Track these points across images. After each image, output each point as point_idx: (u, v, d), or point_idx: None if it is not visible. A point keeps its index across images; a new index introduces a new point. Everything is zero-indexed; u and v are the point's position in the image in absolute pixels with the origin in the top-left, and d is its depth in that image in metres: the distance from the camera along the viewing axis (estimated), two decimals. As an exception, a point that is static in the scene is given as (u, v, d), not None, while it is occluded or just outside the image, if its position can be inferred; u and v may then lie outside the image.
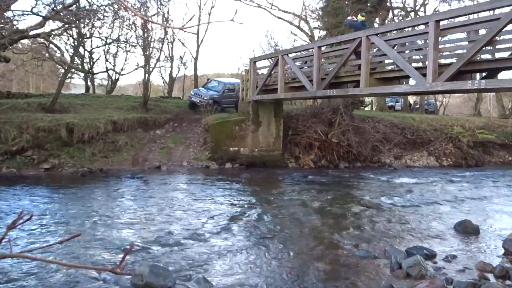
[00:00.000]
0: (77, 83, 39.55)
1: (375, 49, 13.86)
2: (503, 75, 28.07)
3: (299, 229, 10.06)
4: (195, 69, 37.07)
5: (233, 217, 10.91)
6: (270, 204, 12.68)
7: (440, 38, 10.82)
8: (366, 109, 35.88)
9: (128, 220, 10.37)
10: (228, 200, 13.04)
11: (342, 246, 8.86)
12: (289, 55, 18.29)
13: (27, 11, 18.47)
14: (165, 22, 28.27)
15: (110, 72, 32.67)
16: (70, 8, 18.82)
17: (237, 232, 9.65)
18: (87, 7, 20.17)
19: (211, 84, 27.28)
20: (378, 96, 32.29)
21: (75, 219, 10.24)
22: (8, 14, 17.76)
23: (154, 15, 26.92)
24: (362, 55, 13.24)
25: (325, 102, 24.14)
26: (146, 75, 25.82)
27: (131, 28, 25.77)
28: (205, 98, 24.86)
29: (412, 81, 12.96)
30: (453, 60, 10.84)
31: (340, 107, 22.89)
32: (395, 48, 12.45)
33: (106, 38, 29.31)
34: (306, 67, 18.35)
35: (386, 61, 14.44)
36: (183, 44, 46.07)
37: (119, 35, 29.78)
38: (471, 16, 12.42)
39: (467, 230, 10.01)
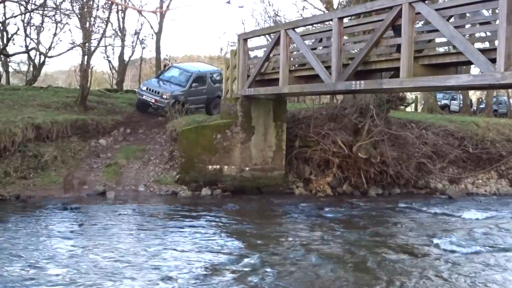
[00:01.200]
0: (-17, 69, 39.41)
1: (421, 22, 13.95)
2: None
3: (307, 287, 10.00)
4: (158, 49, 37.12)
5: (212, 273, 10.83)
6: (268, 253, 12.59)
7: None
8: (409, 109, 36.01)
9: (52, 280, 10.25)
10: (205, 247, 12.91)
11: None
12: (296, 29, 18.35)
13: None
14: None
15: (32, 53, 32.65)
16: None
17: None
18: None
19: (170, 73, 27.27)
20: (425, 91, 32.47)
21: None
22: None
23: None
24: (403, 31, 13.30)
25: (348, 99, 24.18)
26: (85, 57, 25.80)
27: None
28: (165, 96, 24.98)
29: (475, 70, 13.03)
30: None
31: (371, 106, 22.95)
32: (451, 21, 12.53)
33: (27, 2, 29.30)
34: (321, 48, 18.41)
35: (438, 40, 14.51)
36: (140, 13, 46.23)
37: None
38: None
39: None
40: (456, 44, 12.15)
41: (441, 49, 15.35)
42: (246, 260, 11.61)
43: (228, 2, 1.83)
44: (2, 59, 32.96)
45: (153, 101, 25.02)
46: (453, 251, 13.11)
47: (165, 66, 29.72)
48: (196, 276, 10.44)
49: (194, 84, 25.80)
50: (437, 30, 12.79)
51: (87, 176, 20.53)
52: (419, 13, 13.00)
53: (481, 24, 12.91)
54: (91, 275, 10.31)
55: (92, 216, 15.95)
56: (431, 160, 24.16)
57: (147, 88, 25.75)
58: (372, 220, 17.05)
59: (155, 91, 25.26)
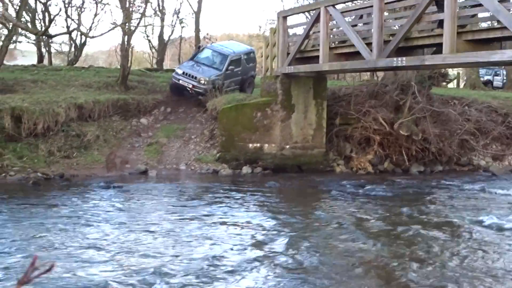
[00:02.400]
0: (26, 50, 40.00)
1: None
2: None
3: (353, 265, 10.02)
4: (197, 28, 37.16)
5: (255, 247, 10.92)
6: (309, 229, 12.67)
7: None
8: (451, 86, 35.55)
9: (99, 252, 10.45)
10: (247, 223, 13.05)
11: (416, 289, 8.82)
12: (336, 6, 18.20)
13: None
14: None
15: (74, 34, 32.98)
16: None
17: (261, 269, 9.65)
18: None
19: (204, 54, 26.65)
20: (468, 67, 31.98)
21: (20, 251, 10.35)
22: None
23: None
24: (445, 6, 13.11)
25: (389, 76, 23.95)
26: (126, 37, 25.97)
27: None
28: (202, 81, 24.35)
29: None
30: None
31: (412, 83, 22.72)
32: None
33: (68, -17, 29.58)
34: (361, 24, 18.26)
35: (481, 15, 14.27)
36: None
37: (86, -21, 30.06)
38: None
39: None
40: (500, 18, 11.95)
41: (485, 24, 15.11)
42: (287, 237, 11.67)
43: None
44: (45, 40, 33.35)
45: (190, 86, 24.38)
46: (496, 229, 12.97)
47: (199, 47, 28.88)
48: (241, 248, 10.55)
49: (230, 67, 25.36)
50: (480, 5, 12.60)
51: (129, 155, 20.76)
52: (462, -13, 12.80)
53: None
54: (143, 250, 10.50)
55: (135, 195, 16.16)
56: (474, 137, 23.88)
57: (183, 72, 24.91)
58: (413, 198, 16.95)
59: (192, 76, 24.53)
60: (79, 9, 30.11)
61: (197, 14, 36.95)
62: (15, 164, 18.39)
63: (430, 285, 8.98)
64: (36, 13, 31.88)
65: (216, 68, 25.23)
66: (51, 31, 32.40)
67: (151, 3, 33.03)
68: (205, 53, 26.53)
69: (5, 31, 26.30)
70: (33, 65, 29.37)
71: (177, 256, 10.27)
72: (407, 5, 16.91)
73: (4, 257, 9.82)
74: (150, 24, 33.98)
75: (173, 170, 20.31)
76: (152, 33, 38.04)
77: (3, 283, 8.47)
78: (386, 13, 16.42)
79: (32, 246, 10.56)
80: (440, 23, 13.78)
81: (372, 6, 15.98)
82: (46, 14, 30.81)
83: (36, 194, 15.87)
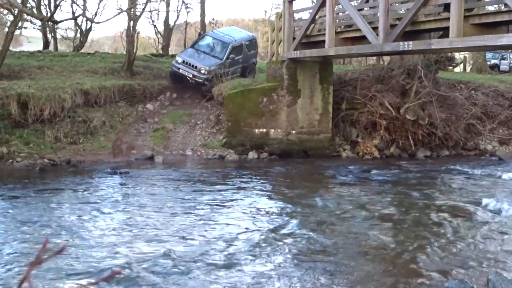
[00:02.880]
0: (31, 36, 40.02)
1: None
2: None
3: (361, 249, 10.06)
4: (202, 13, 37.11)
5: (262, 233, 10.95)
6: (317, 213, 12.70)
7: None
8: (457, 70, 35.44)
9: (108, 238, 10.51)
10: (254, 208, 13.10)
11: (423, 273, 8.83)
12: (342, -10, 18.17)
13: None
14: None
15: (79, 19, 32.97)
16: None
17: (269, 254, 9.69)
18: None
19: (204, 41, 26.08)
20: (475, 51, 31.86)
21: (28, 237, 10.41)
22: None
23: None
24: (452, -10, 13.06)
25: (396, 60, 23.90)
26: (131, 23, 25.95)
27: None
28: (203, 71, 23.82)
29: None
30: None
31: (419, 67, 22.68)
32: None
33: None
34: (367, 8, 18.19)
35: (489, -2, 14.22)
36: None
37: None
38: None
39: None
40: (507, 1, 11.88)
41: (492, 8, 15.04)
42: (294, 222, 11.71)
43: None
44: (50, 26, 33.32)
45: (190, 75, 23.84)
46: (501, 213, 12.97)
47: (199, 34, 28.18)
48: (249, 233, 10.59)
49: (231, 56, 24.72)
50: (488, -12, 12.52)
51: (135, 141, 20.80)
52: (469, -30, 12.73)
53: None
54: (152, 235, 10.57)
55: (142, 180, 16.20)
56: (480, 121, 23.86)
57: (183, 61, 24.29)
58: (420, 183, 16.95)
59: (193, 65, 23.96)
60: (84, -6, 30.11)
61: (203, -2, 36.88)
62: (22, 150, 18.44)
63: (438, 269, 9.00)
64: (42, -1, 31.83)
65: (217, 57, 24.65)
66: (57, 17, 32.43)
67: (157, -12, 32.90)
68: (206, 41, 26.01)
69: (11, 17, 26.35)
70: (39, 51, 29.39)
71: (184, 240, 10.32)
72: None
73: (11, 243, 9.88)
74: (156, 10, 33.92)
75: (179, 155, 20.35)
76: (158, 19, 38.08)
77: (10, 267, 8.53)
78: (392, -3, 16.35)
79: (38, 232, 10.61)
80: (447, 7, 13.73)
81: (378, -10, 15.93)
82: (52, 0, 30.82)
83: (43, 180, 15.92)
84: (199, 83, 23.76)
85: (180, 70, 24.17)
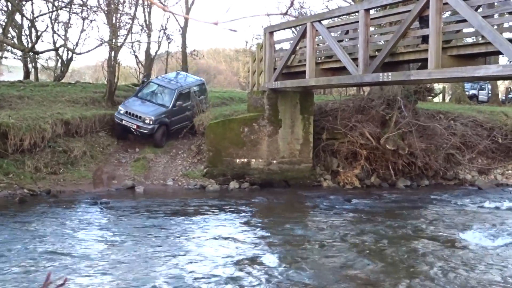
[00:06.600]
0: (12, 66, 39.91)
1: (448, 12, 13.84)
2: None
3: (339, 279, 10.04)
4: (184, 43, 37.25)
5: (241, 263, 10.93)
6: (298, 245, 12.67)
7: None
8: (436, 100, 35.78)
9: (83, 269, 10.42)
10: (233, 239, 13.05)
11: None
12: (322, 22, 18.33)
13: None
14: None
15: (61, 50, 32.94)
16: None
17: (245, 285, 9.65)
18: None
19: (149, 88, 24.69)
20: (453, 82, 32.21)
21: (6, 272, 10.29)
22: None
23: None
24: (430, 21, 13.22)
25: (375, 91, 24.08)
26: (112, 53, 25.98)
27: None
28: (148, 121, 22.43)
29: (504, 59, 12.93)
30: None
31: (398, 98, 22.86)
32: (480, 10, 12.42)
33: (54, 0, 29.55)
34: (347, 40, 18.36)
35: (466, 30, 14.40)
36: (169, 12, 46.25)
37: (72, -4, 29.99)
38: None
39: None
40: (485, 34, 12.06)
41: (470, 40, 15.25)
42: (274, 253, 11.70)
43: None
44: (31, 56, 33.27)
45: (134, 126, 22.34)
46: (482, 243, 13.03)
47: (142, 82, 26.95)
48: (228, 266, 10.54)
49: (178, 103, 23.60)
50: (465, 20, 12.70)
51: (116, 171, 20.73)
52: (446, 3, 12.91)
53: (510, 13, 12.78)
54: (120, 269, 10.45)
55: (122, 211, 16.09)
56: (460, 151, 24.01)
57: (126, 112, 22.62)
58: (400, 212, 17.01)
59: (136, 115, 22.42)
60: (65, 25, 30.18)
61: (184, 29, 37.07)
62: (1, 181, 18.27)
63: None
64: (23, 29, 31.81)
65: (163, 105, 23.42)
66: (38, 47, 32.36)
67: (138, 19, 32.99)
68: (150, 88, 24.66)
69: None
70: (20, 81, 29.29)
71: (160, 272, 10.25)
72: (393, 21, 17.04)
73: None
74: (137, 41, 33.96)
75: (160, 185, 20.28)
76: (139, 49, 37.99)
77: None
78: (372, 28, 16.54)
79: (15, 262, 10.50)
80: (425, 39, 13.89)
81: (358, 22, 16.08)
82: (33, 30, 30.80)
83: (22, 211, 15.76)
84: (144, 134, 22.53)
85: (123, 122, 22.56)
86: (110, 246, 12.11)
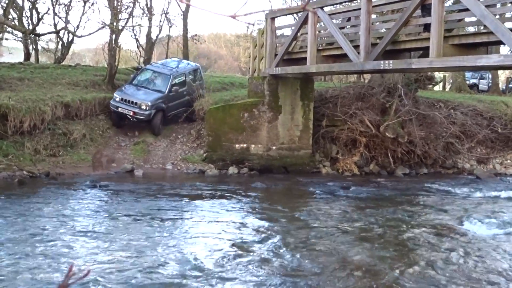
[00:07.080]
0: (12, 47, 39.81)
1: (451, 1, 13.82)
2: None
3: (336, 266, 10.07)
4: (185, 27, 37.14)
5: (238, 248, 10.95)
6: (296, 231, 12.70)
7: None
8: (437, 88, 35.74)
9: (86, 254, 10.45)
10: (233, 224, 13.08)
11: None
12: (324, 8, 18.26)
13: None
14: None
15: (62, 32, 32.84)
16: None
17: (244, 270, 9.67)
18: None
19: (143, 75, 24.47)
20: (454, 71, 32.19)
21: (3, 254, 10.32)
22: None
23: None
24: (432, 10, 13.19)
25: (376, 78, 24.06)
26: (113, 36, 25.90)
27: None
28: (144, 107, 22.19)
29: (505, 49, 12.91)
30: None
31: (399, 86, 22.84)
32: (482, 0, 12.38)
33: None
34: (349, 27, 18.32)
35: (468, 20, 14.37)
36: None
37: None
38: None
39: None
40: (487, 23, 12.04)
41: (472, 29, 15.22)
42: (271, 238, 11.72)
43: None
44: (32, 37, 33.18)
45: (131, 113, 22.01)
46: (480, 232, 13.08)
47: (137, 69, 26.90)
48: (226, 251, 10.57)
49: (174, 88, 23.29)
50: (467, 9, 12.68)
51: (115, 154, 20.74)
52: (449, -8, 12.88)
53: (512, 3, 12.78)
54: (130, 254, 10.46)
55: (121, 194, 16.12)
56: (459, 140, 24.01)
57: (122, 99, 22.33)
58: (398, 200, 17.04)
59: (132, 102, 22.12)
60: (67, 7, 30.08)
61: (185, 13, 36.94)
62: (0, 162, 18.29)
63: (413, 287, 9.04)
64: (24, 11, 31.72)
65: (158, 91, 23.16)
66: (39, 29, 32.30)
67: (139, 2, 32.85)
68: (145, 75, 24.41)
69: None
70: (20, 63, 29.22)
71: (158, 256, 10.28)
72: (395, 8, 16.99)
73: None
74: (139, 24, 33.84)
75: (159, 169, 20.31)
76: (140, 32, 37.89)
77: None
78: (373, 16, 16.51)
79: (13, 245, 10.53)
80: (427, 27, 13.87)
81: (360, 9, 16.04)
82: (34, 12, 30.73)
83: (21, 192, 15.79)
84: (142, 120, 22.28)
85: (119, 109, 22.21)
86: (108, 227, 12.14)
